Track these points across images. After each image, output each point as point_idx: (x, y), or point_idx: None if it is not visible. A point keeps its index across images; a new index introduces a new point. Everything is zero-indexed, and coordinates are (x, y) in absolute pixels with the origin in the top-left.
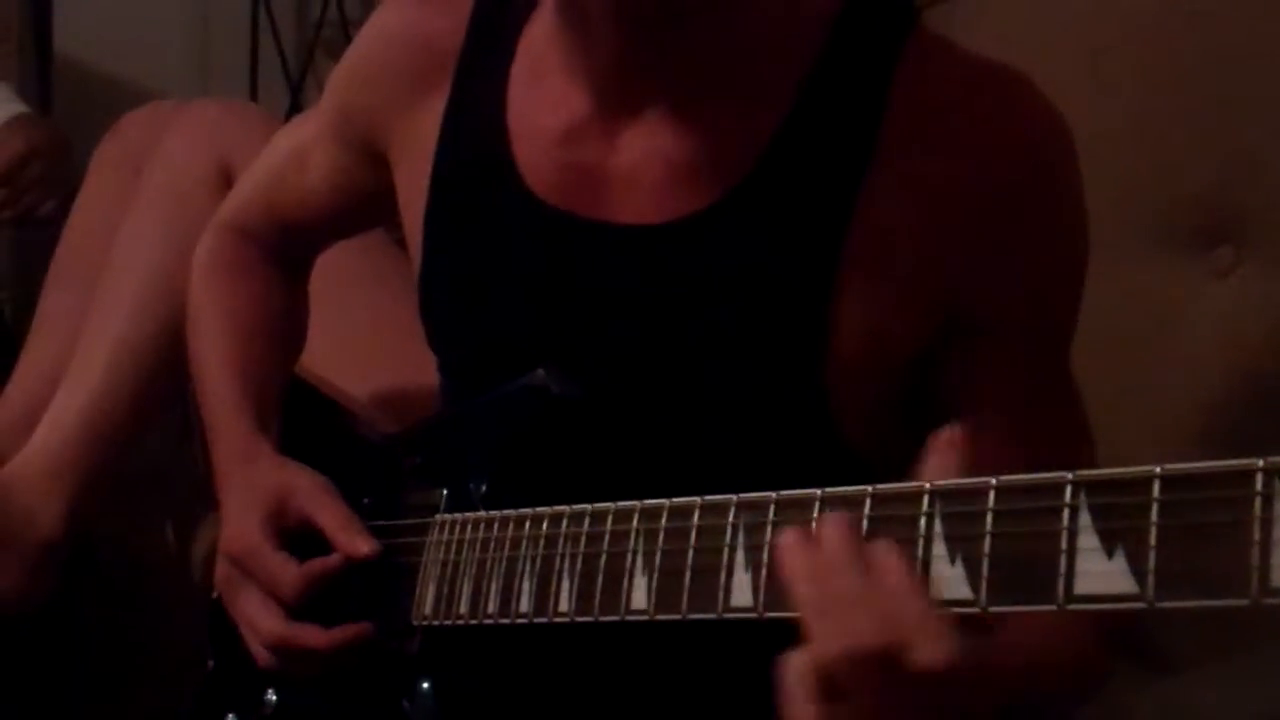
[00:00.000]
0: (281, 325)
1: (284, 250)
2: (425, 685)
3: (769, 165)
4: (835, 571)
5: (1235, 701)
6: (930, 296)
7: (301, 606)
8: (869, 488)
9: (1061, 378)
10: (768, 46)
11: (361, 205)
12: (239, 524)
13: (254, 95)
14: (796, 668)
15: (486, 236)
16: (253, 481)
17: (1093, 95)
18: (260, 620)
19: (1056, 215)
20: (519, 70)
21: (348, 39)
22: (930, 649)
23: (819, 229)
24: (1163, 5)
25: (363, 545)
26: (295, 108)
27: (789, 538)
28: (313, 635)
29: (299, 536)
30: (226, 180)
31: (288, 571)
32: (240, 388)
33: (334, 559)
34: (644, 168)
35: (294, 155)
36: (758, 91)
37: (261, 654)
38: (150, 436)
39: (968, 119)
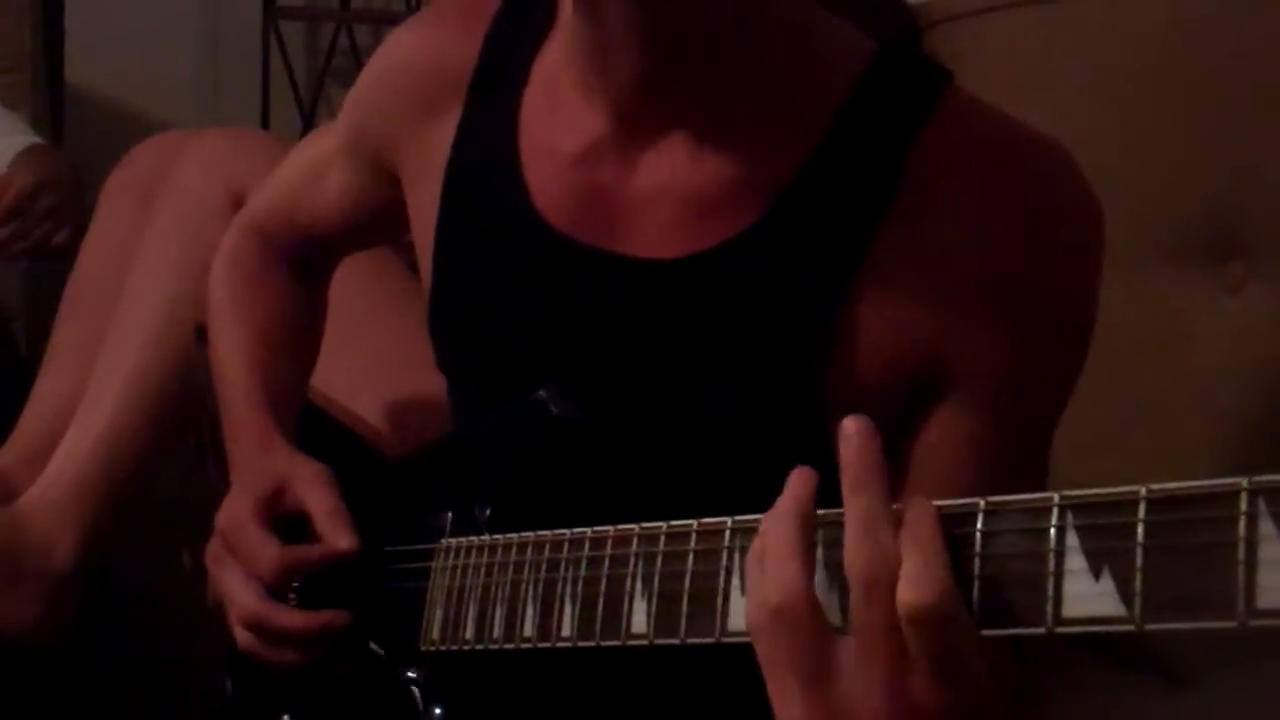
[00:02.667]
0: (300, 331)
1: (304, 256)
2: (437, 711)
3: (784, 209)
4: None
5: (1248, 715)
6: (921, 353)
7: (280, 591)
8: None
9: (1034, 458)
10: (794, 87)
11: (376, 221)
12: (232, 501)
13: (265, 124)
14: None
15: (495, 259)
16: (260, 467)
17: (1101, 111)
18: (238, 595)
19: (1057, 301)
20: (533, 93)
21: (359, 66)
22: (915, 584)
23: (827, 277)
24: (1170, 19)
25: (342, 540)
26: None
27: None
28: (287, 616)
29: (296, 526)
30: (239, 210)
31: (267, 551)
32: (261, 387)
33: (314, 551)
34: (659, 197)
35: (314, 166)
36: (780, 131)
37: (240, 634)
38: (165, 465)
39: (984, 184)
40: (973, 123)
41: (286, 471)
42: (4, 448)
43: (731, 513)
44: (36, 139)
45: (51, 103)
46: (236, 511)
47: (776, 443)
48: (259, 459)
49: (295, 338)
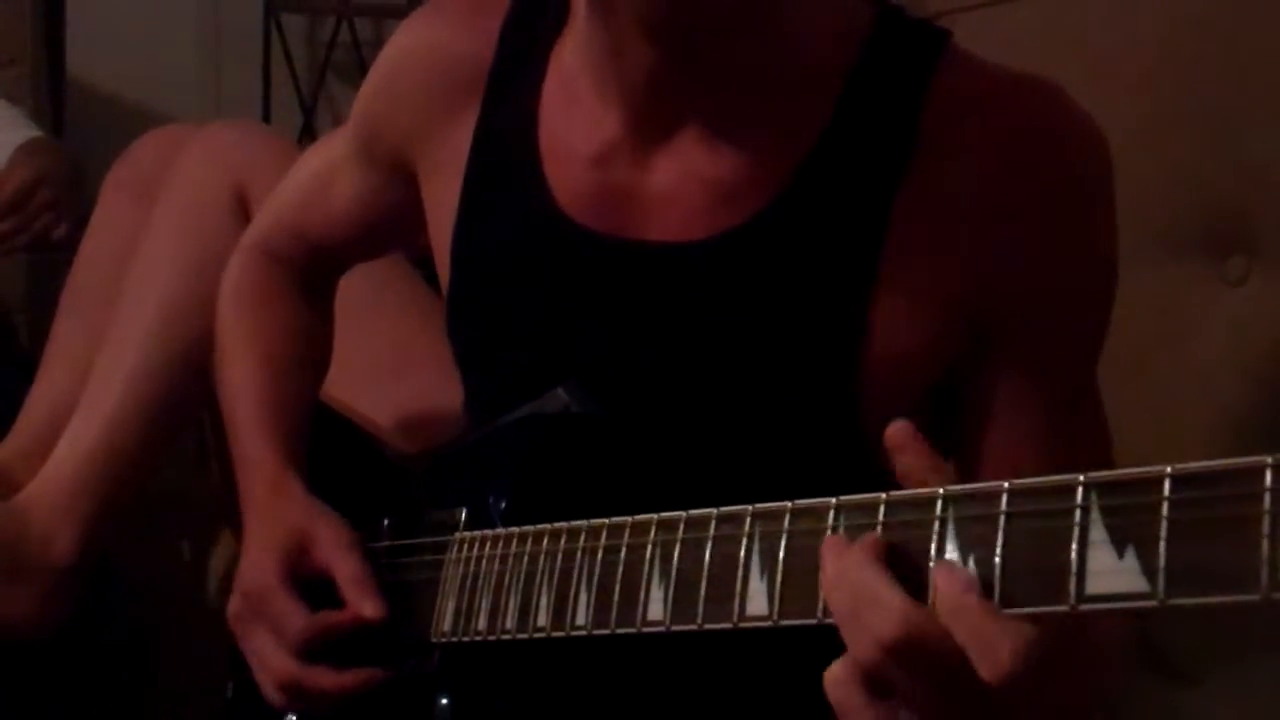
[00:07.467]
0: (309, 350)
1: (311, 271)
2: (444, 702)
3: (804, 182)
4: (859, 566)
5: (1248, 714)
6: (962, 307)
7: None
8: (883, 495)
9: (1087, 387)
10: (800, 65)
11: (390, 224)
12: (256, 561)
13: (266, 117)
14: (837, 677)
15: (518, 257)
16: (278, 518)
17: (1103, 104)
18: (270, 659)
19: (1085, 224)
20: (550, 90)
21: (359, 61)
22: (992, 661)
23: (855, 243)
24: (1173, 14)
25: (369, 608)
26: (308, 130)
27: (828, 545)
28: (324, 677)
29: (315, 582)
30: (242, 204)
31: (297, 618)
32: (271, 419)
33: (343, 616)
34: (678, 189)
35: (321, 175)
36: (791, 109)
37: (271, 692)
38: (166, 459)
39: (998, 130)
40: (977, 75)
41: (306, 527)
42: (5, 442)
43: (758, 500)
44: (37, 132)
45: (52, 96)
46: (261, 574)
47: (808, 422)
48: (275, 506)
49: (304, 358)
